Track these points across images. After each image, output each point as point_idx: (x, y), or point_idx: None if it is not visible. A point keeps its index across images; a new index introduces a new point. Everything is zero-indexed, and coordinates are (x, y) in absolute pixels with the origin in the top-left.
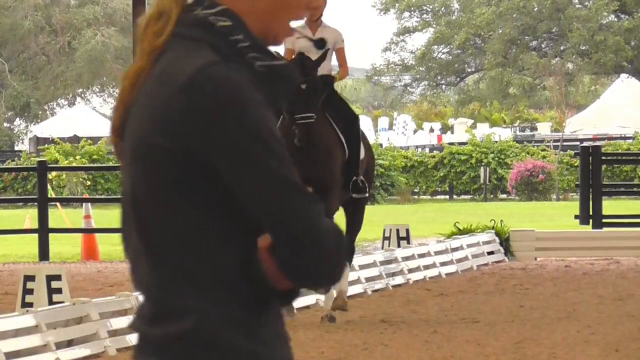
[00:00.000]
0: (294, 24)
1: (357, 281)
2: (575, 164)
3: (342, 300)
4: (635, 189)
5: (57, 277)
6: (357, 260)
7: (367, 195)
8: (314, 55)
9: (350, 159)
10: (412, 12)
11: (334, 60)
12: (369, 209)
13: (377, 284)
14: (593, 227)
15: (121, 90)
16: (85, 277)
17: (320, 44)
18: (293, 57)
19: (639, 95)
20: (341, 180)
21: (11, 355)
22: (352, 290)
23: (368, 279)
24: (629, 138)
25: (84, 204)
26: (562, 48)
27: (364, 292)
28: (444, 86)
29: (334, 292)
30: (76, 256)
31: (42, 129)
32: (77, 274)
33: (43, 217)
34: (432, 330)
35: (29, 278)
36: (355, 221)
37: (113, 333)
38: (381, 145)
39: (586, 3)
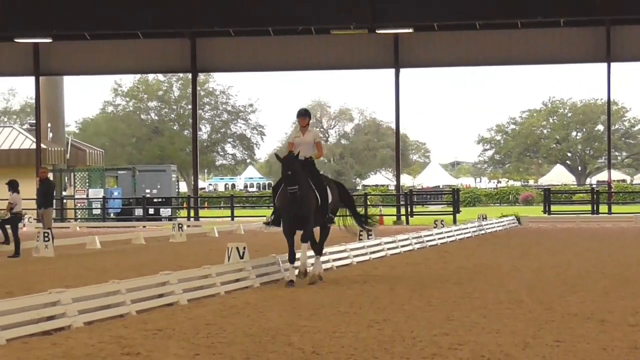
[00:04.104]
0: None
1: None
2: None
3: (314, 278)
4: None
5: None
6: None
7: (332, 224)
8: (304, 146)
9: (322, 204)
10: None
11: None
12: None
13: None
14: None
15: None
16: None
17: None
18: (291, 150)
19: None
20: (316, 216)
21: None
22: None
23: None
24: None
25: None
26: None
27: (455, 240)
28: None
29: (310, 268)
30: None
31: None
32: None
33: None
34: (490, 247)
35: None
36: (324, 235)
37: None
38: None
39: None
